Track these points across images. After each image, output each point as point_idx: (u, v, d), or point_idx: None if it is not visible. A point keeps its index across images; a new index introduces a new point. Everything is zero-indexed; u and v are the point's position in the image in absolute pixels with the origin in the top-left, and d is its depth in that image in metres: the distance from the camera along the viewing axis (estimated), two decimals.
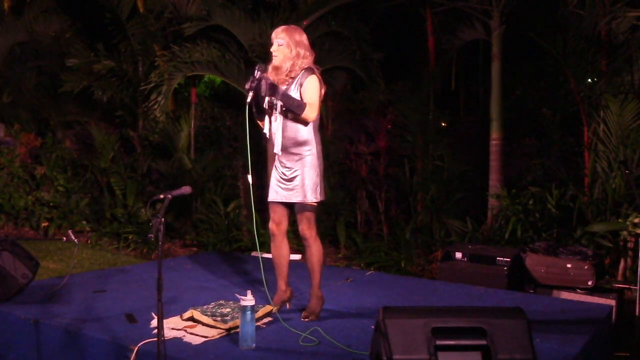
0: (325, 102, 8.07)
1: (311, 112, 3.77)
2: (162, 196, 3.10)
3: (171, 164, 8.87)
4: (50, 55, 9.77)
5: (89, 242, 8.30)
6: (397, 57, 9.57)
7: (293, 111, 3.75)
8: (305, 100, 3.77)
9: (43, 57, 9.82)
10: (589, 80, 6.87)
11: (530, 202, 6.69)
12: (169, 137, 8.98)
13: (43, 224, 8.88)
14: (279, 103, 3.79)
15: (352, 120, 8.29)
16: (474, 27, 7.63)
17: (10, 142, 6.60)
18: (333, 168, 8.00)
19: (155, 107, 8.16)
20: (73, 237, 4.52)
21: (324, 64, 7.83)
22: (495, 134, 7.35)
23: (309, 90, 3.78)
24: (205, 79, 11.61)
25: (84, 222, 8.81)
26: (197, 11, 8.34)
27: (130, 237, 8.08)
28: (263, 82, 3.68)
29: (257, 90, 3.74)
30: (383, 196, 7.97)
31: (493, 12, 7.28)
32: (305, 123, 3.81)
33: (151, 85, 8.12)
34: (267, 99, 3.82)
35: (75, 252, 7.19)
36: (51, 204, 8.93)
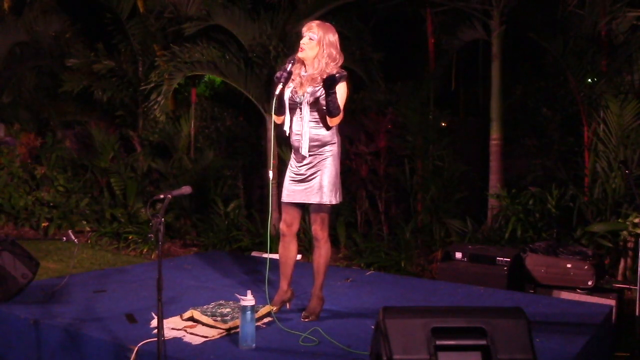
0: None
1: (339, 118, 3.74)
2: (162, 196, 3.09)
3: (171, 164, 8.87)
4: (50, 55, 9.77)
5: (89, 242, 8.30)
6: (397, 57, 9.57)
7: (331, 111, 3.67)
8: None
9: (43, 57, 9.82)
10: (589, 80, 6.87)
11: (530, 202, 6.69)
12: (169, 137, 8.98)
13: (43, 224, 8.88)
14: (310, 99, 3.71)
15: (352, 120, 8.29)
16: (474, 27, 7.63)
17: (10, 142, 6.61)
18: None
19: (155, 107, 8.16)
20: (73, 237, 4.51)
21: None
22: (495, 134, 7.36)
23: (340, 98, 3.71)
24: (205, 79, 11.61)
25: (84, 222, 8.81)
26: (197, 11, 8.34)
27: (130, 237, 8.08)
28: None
29: (285, 82, 3.69)
30: (383, 196, 7.97)
31: (493, 12, 7.28)
32: (327, 126, 3.76)
33: (151, 85, 8.12)
34: (289, 94, 3.76)
35: (75, 252, 7.19)
36: (51, 204, 8.94)
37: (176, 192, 3.20)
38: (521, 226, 6.54)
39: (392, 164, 7.96)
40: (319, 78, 3.71)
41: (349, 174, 8.13)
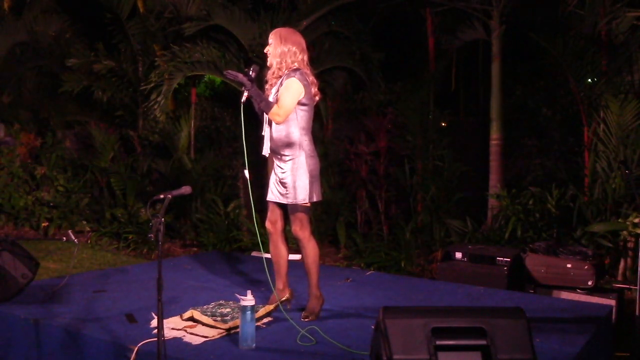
0: (325, 102, 8.08)
1: (277, 113, 3.73)
2: (162, 196, 3.09)
3: (171, 164, 8.87)
4: (50, 55, 9.77)
5: (89, 242, 8.30)
6: (397, 57, 9.57)
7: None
8: (277, 102, 3.75)
9: (43, 57, 9.81)
10: (589, 80, 6.87)
11: (530, 202, 6.69)
12: (169, 137, 8.98)
13: (43, 224, 8.88)
14: (274, 98, 3.80)
15: (352, 120, 8.29)
16: (474, 27, 7.64)
17: (10, 142, 6.59)
18: (333, 168, 8.00)
19: (155, 107, 8.15)
20: (73, 237, 4.52)
21: (324, 64, 7.83)
22: (495, 134, 7.36)
23: (282, 92, 3.76)
24: (205, 79, 11.60)
25: (84, 222, 8.81)
26: (197, 11, 8.34)
27: (130, 237, 8.07)
28: (240, 75, 3.71)
29: (249, 88, 3.75)
30: (383, 196, 7.97)
31: (493, 12, 7.29)
32: (292, 125, 3.78)
33: (151, 85, 8.12)
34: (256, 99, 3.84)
35: (75, 252, 7.18)
36: (51, 204, 8.93)
37: (176, 192, 3.20)
38: (521, 226, 6.53)
39: (392, 164, 7.96)
40: (276, 78, 3.84)
41: (349, 174, 8.14)
